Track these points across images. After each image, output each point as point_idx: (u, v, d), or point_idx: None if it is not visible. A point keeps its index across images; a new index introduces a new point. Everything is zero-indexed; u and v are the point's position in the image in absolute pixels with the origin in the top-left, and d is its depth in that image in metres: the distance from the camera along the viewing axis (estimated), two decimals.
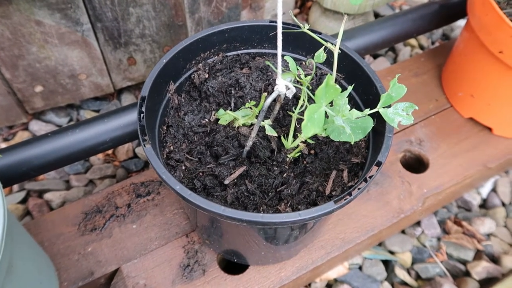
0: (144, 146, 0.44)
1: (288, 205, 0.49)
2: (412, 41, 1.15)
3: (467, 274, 0.79)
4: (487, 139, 0.78)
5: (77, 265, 0.63)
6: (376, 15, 1.21)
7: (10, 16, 0.71)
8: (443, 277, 0.78)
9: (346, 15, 0.65)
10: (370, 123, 0.45)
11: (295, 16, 1.19)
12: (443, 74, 0.86)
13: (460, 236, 0.82)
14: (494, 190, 0.90)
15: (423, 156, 0.77)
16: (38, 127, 0.91)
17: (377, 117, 0.47)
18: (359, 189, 0.42)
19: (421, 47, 1.15)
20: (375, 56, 1.13)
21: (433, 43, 1.17)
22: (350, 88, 0.43)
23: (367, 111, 0.43)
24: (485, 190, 0.90)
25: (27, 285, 0.49)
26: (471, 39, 0.72)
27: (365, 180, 0.43)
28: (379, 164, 0.44)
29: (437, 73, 0.87)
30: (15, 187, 0.84)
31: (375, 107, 0.46)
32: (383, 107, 0.47)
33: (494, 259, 0.81)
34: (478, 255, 0.81)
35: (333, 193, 0.48)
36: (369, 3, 0.89)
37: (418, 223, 0.85)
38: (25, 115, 0.88)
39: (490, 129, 0.79)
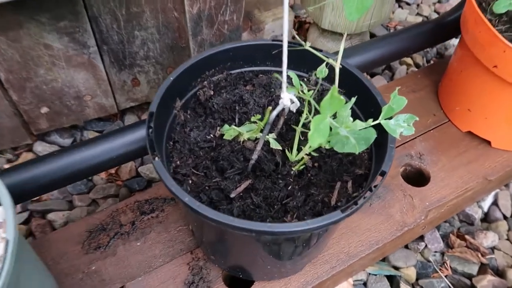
0: (154, 159, 0.45)
1: (294, 216, 0.49)
2: (408, 59, 1.18)
3: None
4: (486, 152, 0.80)
5: (81, 284, 0.62)
6: (372, 36, 1.25)
7: (20, 40, 0.73)
8: None
9: (346, 33, 0.68)
10: (373, 134, 0.46)
11: (293, 38, 1.23)
12: (439, 90, 0.88)
13: (464, 250, 0.82)
14: (495, 203, 0.91)
15: (423, 170, 0.78)
16: (42, 148, 0.92)
17: (378, 129, 0.49)
18: (364, 198, 0.43)
19: (417, 65, 1.18)
20: (372, 75, 1.15)
21: (428, 61, 1.21)
22: (353, 99, 0.45)
23: (370, 121, 0.45)
24: (486, 203, 0.91)
25: None
26: (466, 56, 0.75)
27: (370, 190, 0.44)
28: (383, 173, 0.45)
29: (433, 89, 0.89)
30: (18, 207, 0.84)
31: (376, 119, 0.48)
32: (385, 119, 0.49)
33: (499, 273, 0.81)
34: (483, 268, 0.81)
35: (339, 204, 0.48)
36: (365, 24, 0.93)
37: (421, 238, 0.85)
38: (30, 136, 0.89)
39: (489, 142, 0.81)
